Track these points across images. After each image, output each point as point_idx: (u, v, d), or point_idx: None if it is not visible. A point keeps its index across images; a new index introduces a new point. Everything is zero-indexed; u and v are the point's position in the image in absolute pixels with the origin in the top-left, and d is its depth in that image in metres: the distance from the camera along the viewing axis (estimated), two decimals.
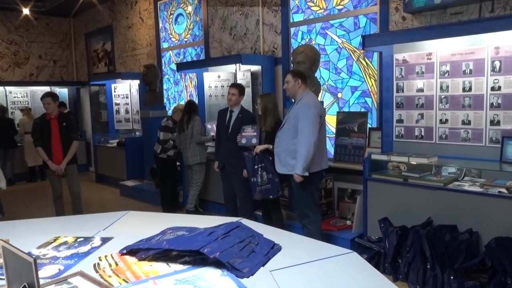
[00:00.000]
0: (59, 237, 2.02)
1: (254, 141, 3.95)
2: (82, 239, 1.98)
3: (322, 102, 4.55)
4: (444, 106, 3.61)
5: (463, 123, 3.51)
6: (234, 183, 4.28)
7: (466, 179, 3.42)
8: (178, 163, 5.72)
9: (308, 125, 3.37)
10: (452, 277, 2.90)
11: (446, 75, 3.57)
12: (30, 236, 2.06)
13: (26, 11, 8.10)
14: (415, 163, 3.51)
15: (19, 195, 6.98)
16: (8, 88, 8.89)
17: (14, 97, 8.99)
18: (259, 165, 3.81)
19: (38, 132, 4.67)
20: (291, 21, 5.12)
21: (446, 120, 3.61)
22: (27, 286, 1.25)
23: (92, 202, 6.45)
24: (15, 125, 8.03)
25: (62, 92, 9.70)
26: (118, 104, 7.93)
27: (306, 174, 3.37)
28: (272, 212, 4.11)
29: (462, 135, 3.52)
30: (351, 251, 1.76)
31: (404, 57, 3.82)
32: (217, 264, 1.56)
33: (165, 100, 7.25)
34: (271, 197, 3.85)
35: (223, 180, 4.44)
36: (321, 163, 3.57)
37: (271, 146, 3.79)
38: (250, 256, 1.63)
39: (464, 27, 3.13)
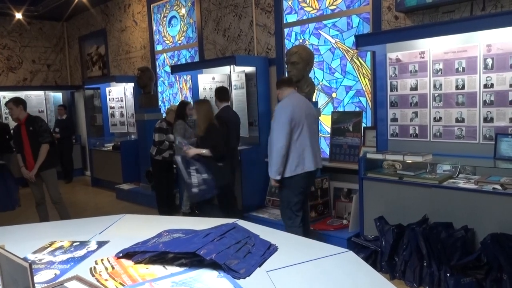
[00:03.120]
0: (54, 241, 2.01)
1: (184, 145, 4.15)
2: (78, 243, 1.98)
3: (316, 103, 4.57)
4: (438, 104, 3.63)
5: (457, 120, 3.53)
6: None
7: (460, 177, 3.45)
8: (174, 166, 5.71)
9: (275, 129, 3.45)
10: (448, 274, 2.92)
11: (439, 73, 3.59)
12: (25, 241, 2.05)
13: (18, 15, 8.08)
14: (410, 161, 3.53)
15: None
16: (1, 93, 8.84)
17: None
18: (192, 168, 3.95)
19: (15, 139, 4.69)
20: (284, 22, 5.13)
21: (440, 118, 3.63)
22: None
23: (88, 206, 6.44)
24: (10, 130, 7.97)
25: (57, 96, 9.67)
26: (113, 108, 7.91)
27: (278, 177, 3.45)
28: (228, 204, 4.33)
29: (456, 133, 3.54)
30: (347, 250, 1.77)
31: (397, 56, 3.84)
32: (214, 265, 1.56)
33: (160, 103, 7.24)
34: (208, 197, 4.00)
35: None
36: (303, 166, 3.48)
37: (203, 151, 4.01)
38: (246, 257, 1.63)
39: (456, 25, 3.15)
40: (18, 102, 4.63)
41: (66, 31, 9.82)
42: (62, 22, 9.68)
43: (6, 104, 4.63)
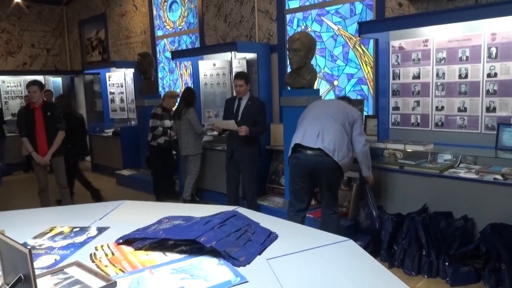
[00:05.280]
0: (55, 227, 2.01)
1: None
2: (78, 229, 1.97)
3: (318, 90, 4.53)
4: (440, 93, 3.60)
5: (459, 110, 3.51)
6: (243, 170, 4.31)
7: (461, 166, 3.44)
8: (174, 152, 5.71)
9: None
10: (447, 263, 2.94)
11: (443, 62, 3.56)
12: (25, 226, 2.05)
13: None
14: (411, 150, 3.52)
15: (14, 185, 6.95)
16: (1, 78, 8.79)
17: (8, 86, 8.89)
18: None
19: (23, 122, 4.59)
20: (286, 7, 5.07)
21: (442, 107, 3.61)
22: (22, 277, 1.24)
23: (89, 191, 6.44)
24: (3, 114, 7.85)
25: (56, 81, 9.61)
26: (113, 93, 7.86)
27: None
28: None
29: (458, 122, 3.53)
30: (347, 238, 1.77)
31: (400, 44, 3.80)
32: (214, 253, 1.56)
33: (160, 89, 7.20)
34: None
35: (228, 168, 4.42)
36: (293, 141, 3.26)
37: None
38: (246, 245, 1.63)
39: (460, 13, 3.11)
40: (42, 86, 4.61)
41: (65, 15, 9.71)
42: (62, 6, 9.57)
43: (29, 86, 4.48)
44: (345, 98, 3.66)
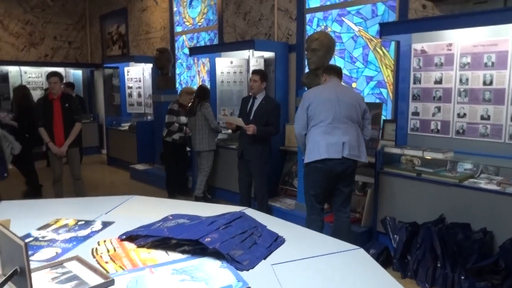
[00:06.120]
0: (60, 219, 1.99)
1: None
2: (83, 222, 1.95)
3: None
4: (463, 100, 3.47)
5: (482, 118, 3.37)
6: (252, 170, 4.22)
7: (482, 176, 3.31)
8: (188, 149, 5.69)
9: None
10: (463, 277, 2.82)
11: (467, 67, 3.43)
12: (31, 217, 2.03)
13: None
14: (429, 157, 3.40)
15: None
16: (23, 68, 8.93)
17: (29, 77, 9.03)
18: None
19: (40, 113, 4.61)
20: (306, 7, 4.99)
21: (464, 114, 3.48)
22: (18, 270, 1.21)
23: (102, 184, 6.49)
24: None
25: (76, 74, 9.73)
26: (131, 88, 7.90)
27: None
28: None
29: (481, 131, 3.39)
30: (357, 247, 1.69)
31: (422, 47, 3.68)
32: (217, 255, 1.50)
33: (177, 85, 7.20)
34: None
35: (240, 168, 4.35)
36: (317, 154, 3.21)
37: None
38: (251, 248, 1.57)
39: (488, 16, 2.98)
40: (62, 78, 4.65)
41: (88, 8, 9.82)
42: (85, 0, 9.68)
43: (50, 77, 4.52)
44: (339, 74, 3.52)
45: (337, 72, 3.48)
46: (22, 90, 6.05)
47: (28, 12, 9.04)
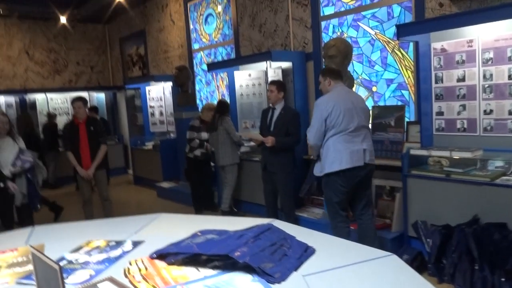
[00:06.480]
0: (92, 241, 2.02)
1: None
2: (113, 243, 1.97)
3: None
4: (488, 96, 3.38)
5: (510, 113, 3.27)
6: (277, 182, 4.21)
7: None
8: (212, 164, 5.73)
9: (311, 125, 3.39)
10: (503, 279, 2.71)
11: (490, 62, 3.34)
12: (64, 240, 2.07)
13: (63, 19, 8.39)
14: (458, 157, 3.32)
15: (62, 198, 7.20)
16: (49, 95, 9.24)
17: (55, 103, 9.34)
18: None
19: (67, 137, 4.76)
20: (321, 14, 4.99)
21: (491, 110, 3.38)
22: None
23: (130, 204, 6.59)
24: (57, 130, 8.26)
25: (100, 97, 10.00)
26: (153, 107, 8.05)
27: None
28: None
29: (510, 126, 3.29)
30: (390, 253, 1.65)
31: (442, 45, 3.62)
32: (248, 268, 1.49)
33: (197, 101, 7.29)
34: None
35: (264, 180, 4.34)
36: (340, 163, 3.24)
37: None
38: (282, 260, 1.56)
39: (508, 9, 2.90)
40: (86, 102, 4.79)
41: (107, 33, 10.12)
42: (104, 25, 9.98)
43: (74, 102, 4.67)
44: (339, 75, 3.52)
45: (340, 75, 3.51)
46: (26, 119, 6.26)
47: (51, 40, 9.39)
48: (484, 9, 3.27)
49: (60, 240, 2.08)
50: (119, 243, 1.96)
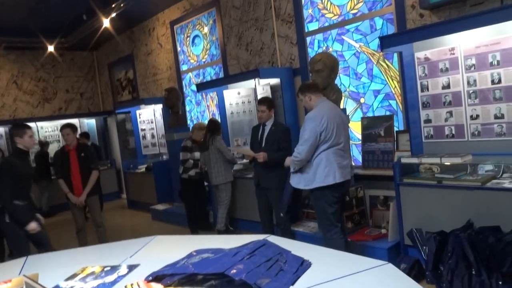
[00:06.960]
0: (86, 267, 2.00)
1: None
2: (108, 268, 1.96)
3: (344, 110, 4.46)
4: (474, 101, 3.44)
5: (496, 117, 3.33)
6: (271, 198, 4.21)
7: (505, 176, 3.23)
8: (206, 183, 5.71)
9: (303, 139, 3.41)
10: (500, 282, 2.71)
11: (472, 68, 3.42)
12: (58, 268, 2.05)
13: (51, 48, 8.42)
14: (448, 163, 3.35)
15: (55, 226, 7.12)
16: (39, 124, 9.20)
17: (45, 131, 9.30)
18: None
19: (58, 164, 4.72)
20: (306, 30, 5.08)
21: (477, 115, 3.44)
22: None
23: (125, 228, 6.52)
24: (48, 158, 8.21)
25: (90, 123, 9.98)
26: (144, 130, 8.05)
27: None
28: None
29: (496, 130, 3.34)
30: (386, 262, 1.65)
31: (425, 54, 3.69)
32: (245, 285, 1.49)
33: (188, 122, 7.31)
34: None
35: (258, 196, 4.34)
36: (334, 176, 3.30)
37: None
38: (278, 275, 1.55)
39: (487, 16, 2.98)
40: (75, 128, 4.75)
41: (96, 59, 10.17)
42: (92, 51, 10.03)
43: (63, 129, 4.64)
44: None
45: (317, 87, 3.60)
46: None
47: (39, 69, 9.40)
48: (463, 17, 3.35)
49: (54, 269, 2.06)
50: (114, 268, 1.95)
